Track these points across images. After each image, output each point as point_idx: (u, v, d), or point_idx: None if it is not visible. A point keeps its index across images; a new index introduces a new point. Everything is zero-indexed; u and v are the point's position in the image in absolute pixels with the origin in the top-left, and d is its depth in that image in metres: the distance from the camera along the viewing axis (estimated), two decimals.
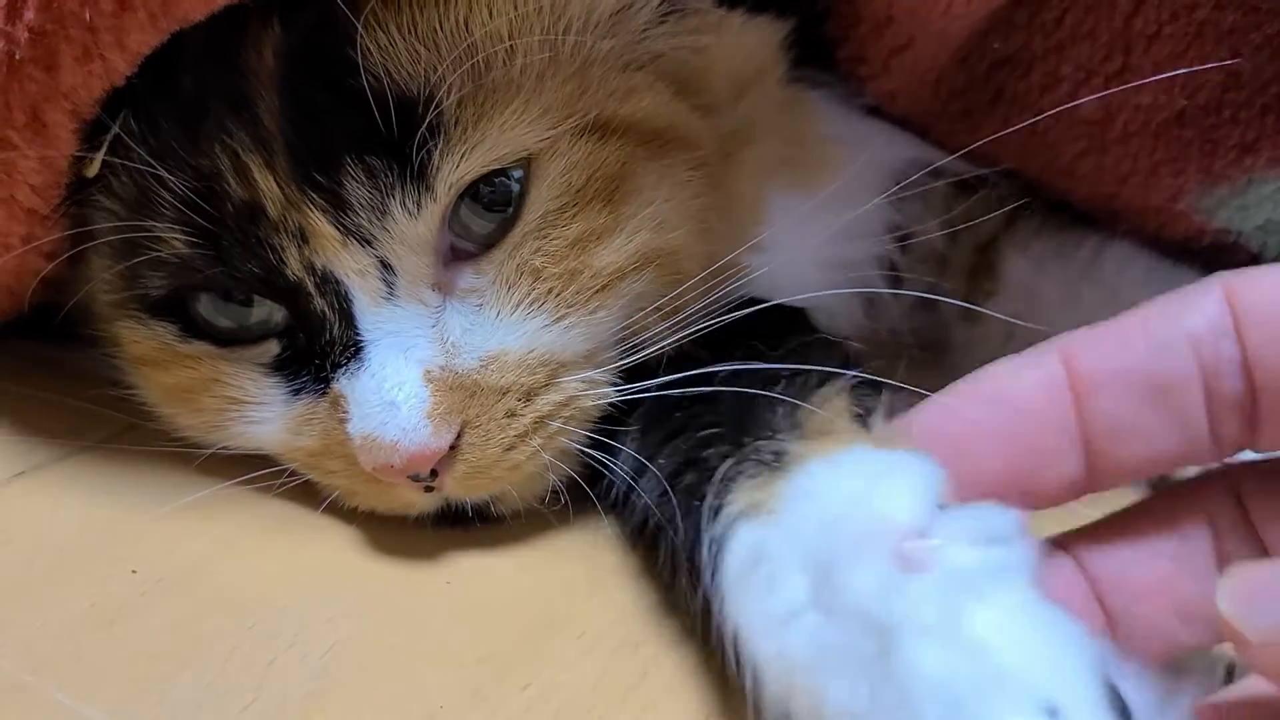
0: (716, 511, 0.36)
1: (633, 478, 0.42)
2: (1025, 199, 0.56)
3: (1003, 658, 0.27)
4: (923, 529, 0.31)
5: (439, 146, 0.39)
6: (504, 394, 0.42)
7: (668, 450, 0.41)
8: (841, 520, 0.32)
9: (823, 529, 0.32)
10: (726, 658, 0.34)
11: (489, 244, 0.42)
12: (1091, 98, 0.49)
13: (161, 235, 0.41)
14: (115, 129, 0.40)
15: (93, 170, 0.42)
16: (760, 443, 0.37)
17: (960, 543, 0.30)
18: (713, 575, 0.35)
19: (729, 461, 0.37)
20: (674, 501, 0.39)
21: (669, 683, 0.38)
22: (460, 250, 0.42)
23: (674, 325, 0.44)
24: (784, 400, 0.38)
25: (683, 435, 0.41)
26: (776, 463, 0.36)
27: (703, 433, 0.40)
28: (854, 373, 0.39)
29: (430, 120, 0.39)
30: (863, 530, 0.31)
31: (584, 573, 0.43)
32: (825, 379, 0.39)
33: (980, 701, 0.27)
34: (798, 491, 0.34)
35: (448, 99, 0.39)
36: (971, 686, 0.27)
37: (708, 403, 0.41)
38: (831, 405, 0.37)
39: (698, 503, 0.37)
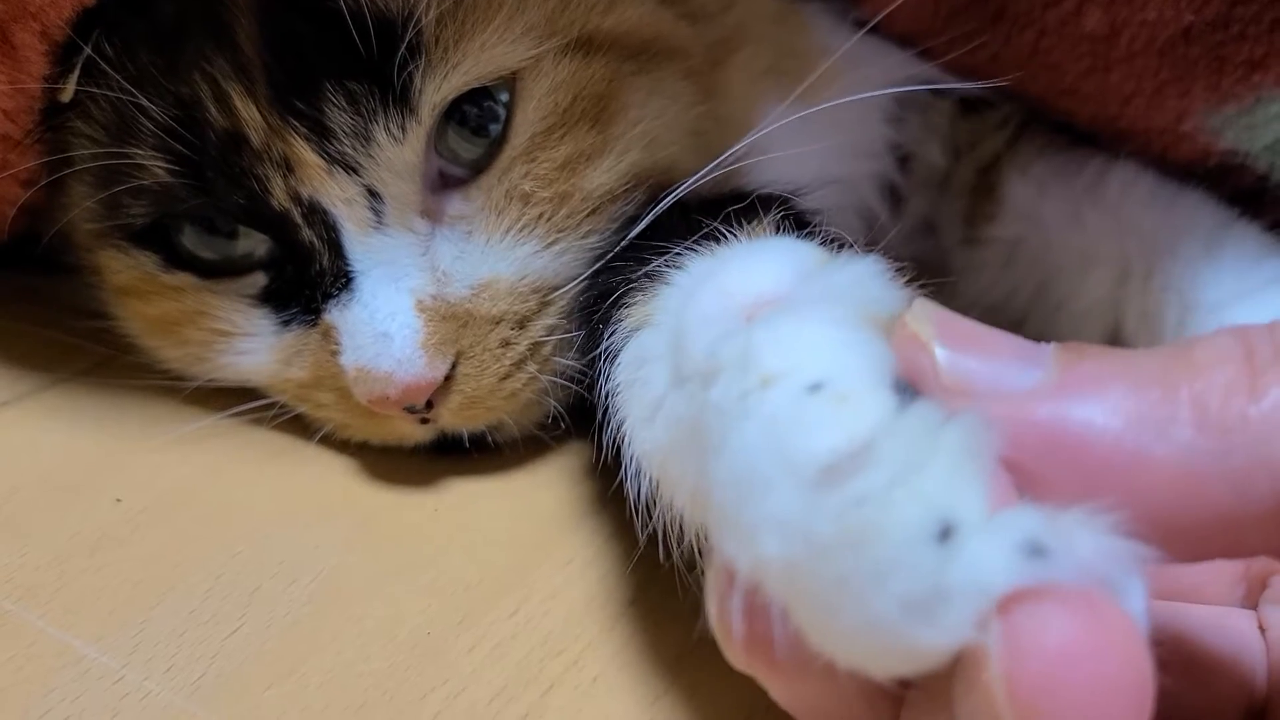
0: (614, 331, 0.35)
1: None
2: (1029, 120, 0.55)
3: (771, 364, 0.25)
4: (783, 296, 0.29)
5: (420, 67, 0.38)
6: (497, 323, 0.41)
7: (586, 289, 0.41)
8: (695, 296, 0.30)
9: (681, 311, 0.31)
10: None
11: (477, 169, 0.41)
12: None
13: (142, 163, 0.40)
14: (87, 50, 0.39)
15: (67, 94, 0.41)
16: (658, 264, 0.35)
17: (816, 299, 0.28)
18: (607, 396, 0.34)
19: (629, 286, 0.36)
20: (586, 336, 0.39)
21: (657, 608, 0.37)
22: (449, 177, 0.42)
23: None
24: (706, 230, 0.36)
25: (601, 273, 0.40)
26: (669, 276, 0.34)
27: (615, 264, 0.39)
28: (789, 208, 0.37)
29: (410, 40, 0.38)
30: (714, 301, 0.29)
31: (573, 498, 0.43)
32: (756, 216, 0.37)
33: (743, 406, 0.25)
34: (674, 289, 0.34)
35: (427, 16, 0.38)
36: (738, 396, 0.25)
37: (635, 246, 0.40)
38: (753, 230, 0.36)
39: (600, 327, 0.37)
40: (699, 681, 0.34)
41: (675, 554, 0.32)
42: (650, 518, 0.32)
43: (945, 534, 0.21)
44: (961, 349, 0.25)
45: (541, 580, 0.38)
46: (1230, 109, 0.49)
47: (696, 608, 0.36)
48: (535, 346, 0.42)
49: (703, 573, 0.31)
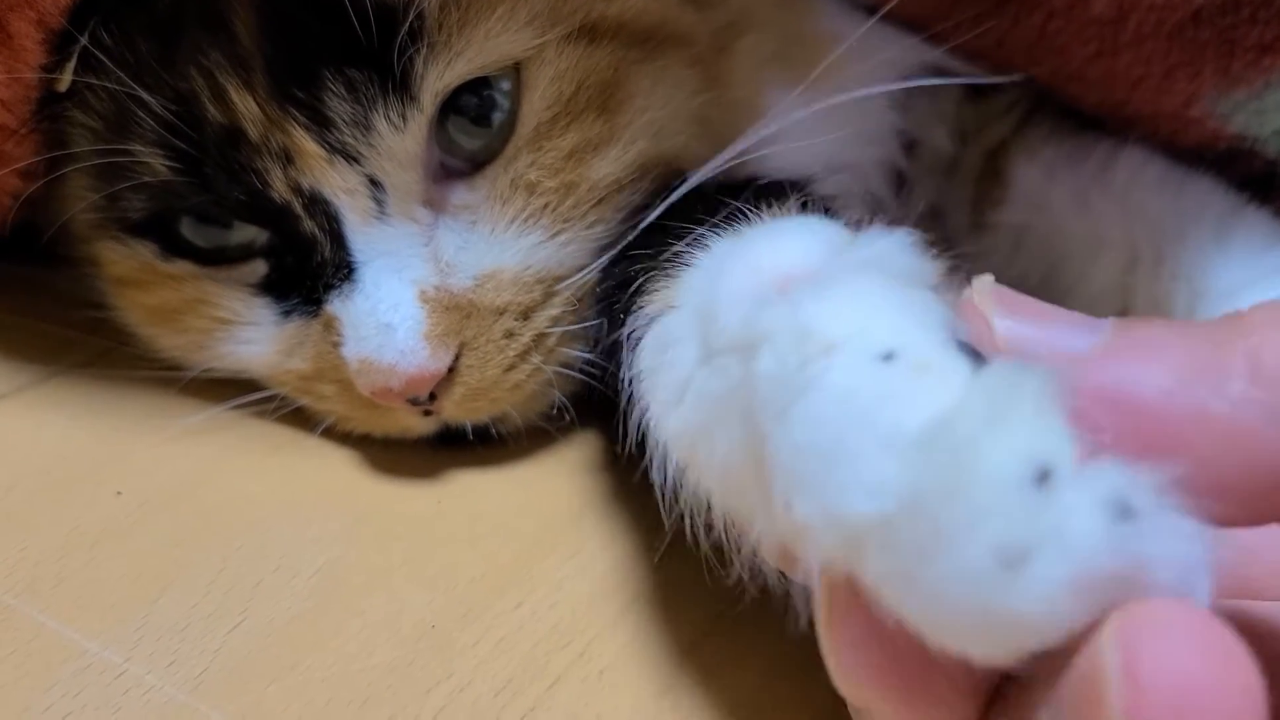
0: (635, 319, 0.35)
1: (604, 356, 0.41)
2: (1036, 105, 0.54)
3: (831, 332, 0.25)
4: (815, 271, 0.28)
5: (422, 52, 0.38)
6: (501, 313, 0.41)
7: (604, 279, 0.41)
8: (723, 273, 0.30)
9: (708, 288, 0.30)
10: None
11: (479, 161, 0.41)
12: None
13: (142, 159, 0.40)
14: (83, 41, 0.39)
15: (64, 84, 0.41)
16: (680, 247, 0.35)
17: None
18: (630, 381, 0.34)
19: (650, 272, 0.36)
20: (604, 324, 0.38)
21: (663, 602, 0.37)
22: (451, 169, 0.41)
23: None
24: (726, 213, 0.35)
25: (619, 263, 0.40)
26: (690, 259, 0.34)
27: (633, 252, 0.39)
28: (806, 195, 0.37)
29: (411, 25, 0.37)
30: (744, 277, 0.29)
31: (579, 490, 0.42)
32: (773, 201, 0.36)
33: (806, 374, 0.24)
34: (697, 270, 0.33)
35: (429, 1, 0.37)
36: (798, 365, 0.25)
37: (652, 234, 0.40)
38: (774, 214, 0.35)
39: (621, 315, 0.36)
40: (707, 674, 0.34)
41: (704, 541, 0.31)
42: (677, 503, 0.32)
43: (1043, 478, 0.21)
44: (1019, 318, 0.25)
45: (547, 573, 0.38)
46: (1240, 93, 0.49)
47: (705, 598, 0.36)
48: (540, 338, 0.42)
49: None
